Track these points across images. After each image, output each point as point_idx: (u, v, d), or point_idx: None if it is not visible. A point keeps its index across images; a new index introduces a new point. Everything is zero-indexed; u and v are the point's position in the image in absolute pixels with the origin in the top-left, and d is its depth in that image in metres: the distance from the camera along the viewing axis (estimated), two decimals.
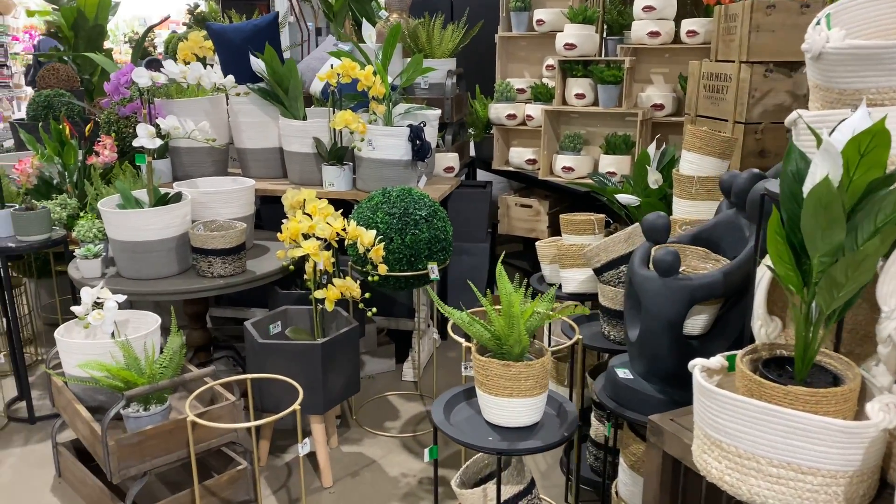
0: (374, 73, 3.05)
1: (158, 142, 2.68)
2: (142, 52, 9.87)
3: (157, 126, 2.72)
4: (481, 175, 4.53)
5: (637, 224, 2.36)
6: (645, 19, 3.42)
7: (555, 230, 3.87)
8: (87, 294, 2.46)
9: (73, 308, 2.46)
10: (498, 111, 3.86)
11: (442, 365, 3.55)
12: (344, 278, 2.61)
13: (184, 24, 10.33)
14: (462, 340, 2.26)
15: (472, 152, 4.43)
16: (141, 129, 2.66)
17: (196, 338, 3.16)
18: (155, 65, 7.56)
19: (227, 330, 3.87)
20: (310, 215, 2.88)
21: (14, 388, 3.23)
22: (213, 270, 2.75)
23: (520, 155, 3.82)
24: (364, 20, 3.35)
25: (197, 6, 10.77)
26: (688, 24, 3.35)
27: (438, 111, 3.37)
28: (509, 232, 3.91)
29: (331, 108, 3.19)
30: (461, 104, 3.97)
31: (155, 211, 2.69)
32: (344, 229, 2.59)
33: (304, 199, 3.04)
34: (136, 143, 2.67)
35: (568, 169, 3.54)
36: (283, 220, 3.24)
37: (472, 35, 3.85)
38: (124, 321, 2.54)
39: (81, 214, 3.30)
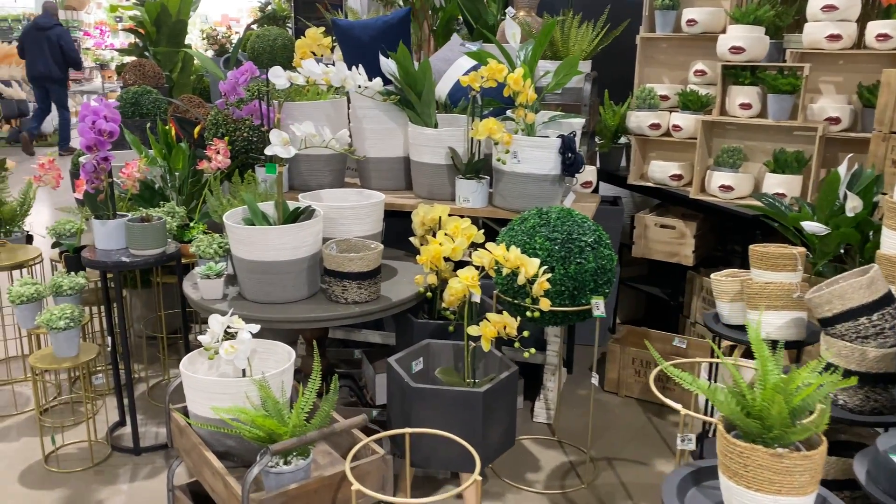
0: (524, 77, 2.70)
1: (293, 151, 2.38)
2: (219, 48, 9.77)
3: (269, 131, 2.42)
4: (603, 189, 4.14)
5: (877, 266, 1.96)
6: (824, 20, 2.99)
7: (701, 255, 3.47)
8: (216, 322, 2.17)
9: (200, 338, 2.18)
10: (639, 120, 3.47)
11: (575, 404, 3.18)
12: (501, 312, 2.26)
13: (254, 22, 10.22)
14: (679, 407, 1.89)
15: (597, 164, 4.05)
16: (275, 135, 2.37)
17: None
18: (236, 63, 7.32)
19: (332, 352, 3.57)
20: (451, 236, 2.56)
21: (114, 409, 2.98)
22: (347, 296, 2.44)
23: (663, 169, 3.43)
24: (507, 18, 3.01)
25: (268, 3, 10.65)
26: (878, 27, 2.91)
27: (583, 119, 3.01)
28: (645, 255, 3.52)
29: (470, 116, 2.85)
30: (595, 111, 3.60)
31: (288, 228, 2.38)
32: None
33: (440, 218, 2.72)
34: (268, 152, 2.37)
35: (726, 188, 3.14)
36: (411, 238, 2.92)
37: (614, 35, 3.47)
38: (251, 352, 2.25)
39: (192, 225, 3.04)
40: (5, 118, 10.31)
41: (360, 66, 2.53)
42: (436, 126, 2.99)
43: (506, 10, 3.73)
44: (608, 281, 2.44)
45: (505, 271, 2.25)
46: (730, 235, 3.76)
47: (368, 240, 2.65)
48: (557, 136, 2.75)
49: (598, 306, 2.39)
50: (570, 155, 2.73)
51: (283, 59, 6.73)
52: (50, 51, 8.84)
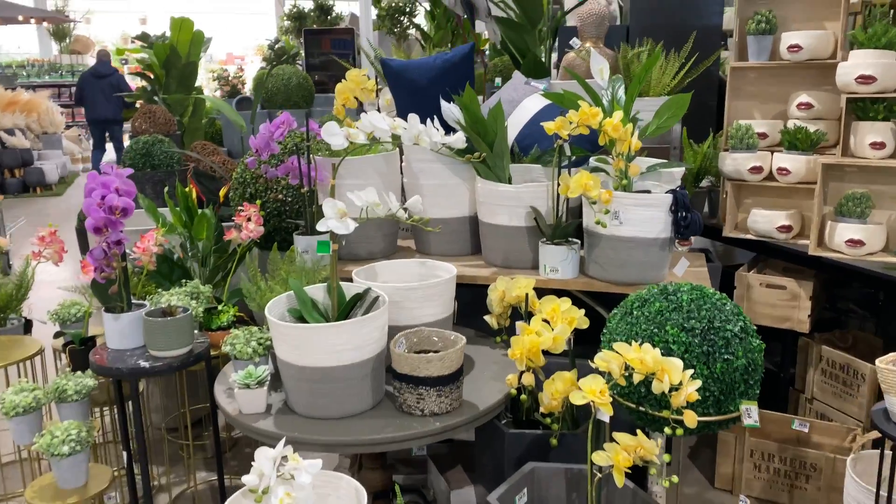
0: (624, 122, 2.22)
1: (352, 225, 1.89)
2: (230, 90, 9.36)
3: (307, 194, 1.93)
4: None
5: None
6: None
7: (815, 319, 2.94)
8: (264, 459, 1.65)
9: (245, 478, 1.66)
10: (737, 163, 2.97)
11: None
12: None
13: (263, 60, 9.87)
14: None
15: None
16: (329, 206, 1.87)
17: (374, 480, 2.33)
18: (245, 103, 6.93)
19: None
20: (548, 321, 2.05)
21: None
22: (423, 406, 1.92)
23: (768, 220, 2.92)
24: (592, 51, 2.52)
25: (277, 41, 10.29)
26: None
27: (684, 168, 2.51)
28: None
29: (556, 168, 2.36)
30: (681, 154, 3.11)
31: (348, 326, 1.88)
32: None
33: (527, 295, 2.22)
34: (321, 227, 1.88)
35: (855, 242, 2.63)
36: (485, 317, 2.42)
37: (705, 66, 2.99)
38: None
39: (220, 308, 2.54)
40: (9, 168, 9.91)
41: (435, 118, 2.03)
42: (510, 180, 2.50)
43: (570, 42, 3.27)
44: (759, 380, 1.91)
45: (637, 377, 1.73)
46: (841, 293, 3.24)
47: (441, 327, 2.15)
48: (667, 192, 2.26)
49: (750, 413, 1.87)
50: (684, 214, 2.23)
51: (298, 98, 6.30)
52: (111, 95, 9.57)
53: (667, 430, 1.79)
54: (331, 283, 2.02)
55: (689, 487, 2.77)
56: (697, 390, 1.82)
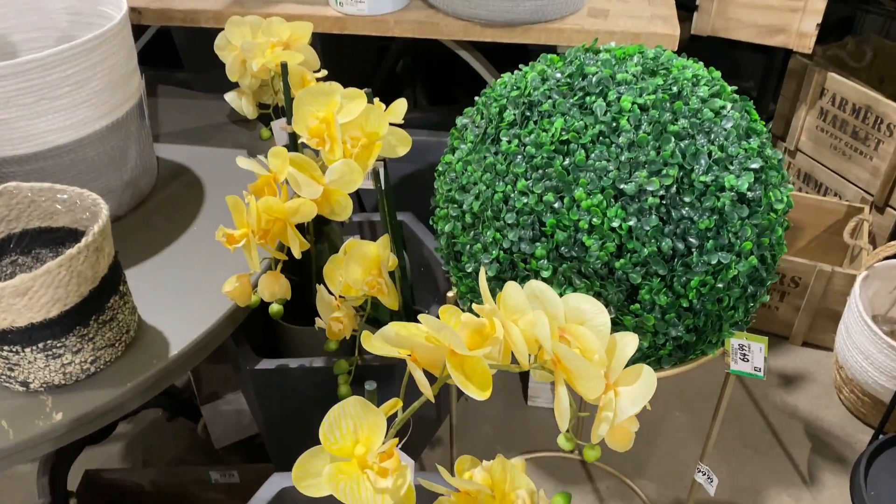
0: None
1: None
2: None
3: None
4: None
5: None
6: None
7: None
8: None
9: None
10: None
11: None
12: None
13: None
14: None
15: None
16: None
17: None
18: None
19: None
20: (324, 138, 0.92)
21: None
22: (28, 377, 0.84)
23: None
24: None
25: None
26: None
27: None
28: (722, 33, 1.82)
29: None
30: None
31: None
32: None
33: (284, 64, 1.02)
34: None
35: None
36: (227, 96, 1.21)
37: None
38: None
39: None
40: None
41: None
42: None
43: None
44: (774, 270, 0.86)
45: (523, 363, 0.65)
46: None
47: (59, 157, 0.97)
48: None
49: (747, 353, 0.86)
50: None
51: None
52: None
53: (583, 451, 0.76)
54: None
55: None
56: (645, 331, 0.78)
